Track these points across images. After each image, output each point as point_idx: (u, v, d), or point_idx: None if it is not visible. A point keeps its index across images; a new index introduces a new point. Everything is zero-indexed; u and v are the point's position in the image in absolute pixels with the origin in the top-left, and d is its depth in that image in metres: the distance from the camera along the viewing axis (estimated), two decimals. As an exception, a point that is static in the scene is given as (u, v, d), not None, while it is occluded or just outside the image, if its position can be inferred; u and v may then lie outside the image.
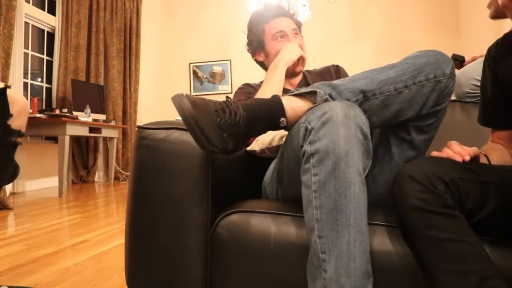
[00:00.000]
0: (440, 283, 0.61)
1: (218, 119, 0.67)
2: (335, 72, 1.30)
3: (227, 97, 0.73)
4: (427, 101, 0.77)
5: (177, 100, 0.66)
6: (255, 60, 1.33)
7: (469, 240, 0.61)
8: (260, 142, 0.96)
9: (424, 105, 0.78)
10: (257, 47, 1.28)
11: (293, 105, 0.74)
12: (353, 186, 0.64)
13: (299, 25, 1.29)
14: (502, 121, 0.90)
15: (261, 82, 1.30)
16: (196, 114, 0.64)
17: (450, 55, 1.10)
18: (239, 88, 1.30)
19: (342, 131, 0.65)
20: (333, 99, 0.74)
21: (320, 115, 0.68)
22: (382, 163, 0.85)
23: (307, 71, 1.33)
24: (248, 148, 0.98)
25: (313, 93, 0.74)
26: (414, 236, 0.65)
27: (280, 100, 0.73)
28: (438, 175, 0.64)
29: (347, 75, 1.27)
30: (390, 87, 0.75)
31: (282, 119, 0.73)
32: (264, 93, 1.06)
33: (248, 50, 1.34)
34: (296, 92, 0.76)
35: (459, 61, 2.17)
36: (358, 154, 0.66)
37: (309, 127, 0.68)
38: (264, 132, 0.76)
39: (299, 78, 1.28)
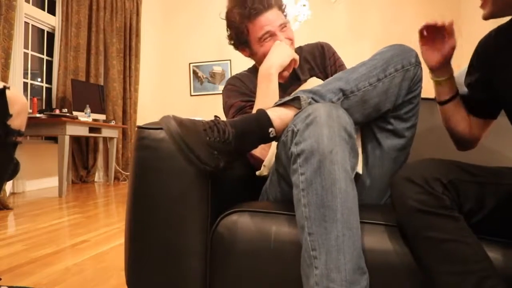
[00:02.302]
0: (440, 284, 0.61)
1: (207, 138, 0.69)
2: (320, 55, 1.22)
3: (215, 116, 0.75)
4: (400, 90, 0.82)
5: (164, 121, 0.68)
6: (239, 52, 1.21)
7: (468, 240, 0.61)
8: (267, 167, 0.96)
9: (398, 94, 0.83)
10: (241, 44, 1.17)
11: (279, 114, 0.77)
12: (339, 182, 0.65)
13: (283, 9, 1.14)
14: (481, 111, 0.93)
15: (249, 71, 1.24)
16: (183, 134, 0.66)
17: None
18: (230, 85, 1.19)
19: (325, 131, 0.67)
20: (316, 102, 0.77)
21: (305, 117, 0.70)
22: (373, 156, 0.88)
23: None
24: (257, 173, 0.98)
25: (296, 99, 0.77)
26: (413, 237, 0.65)
27: (266, 113, 0.76)
28: (436, 177, 0.65)
29: (333, 52, 1.21)
30: (365, 82, 0.80)
31: (271, 129, 0.75)
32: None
33: (229, 43, 1.20)
34: (279, 102, 0.79)
35: None
36: (343, 152, 0.67)
37: (295, 129, 0.70)
38: (256, 146, 0.78)
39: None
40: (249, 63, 1.28)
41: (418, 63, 0.84)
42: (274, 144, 0.90)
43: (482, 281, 0.58)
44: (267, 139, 0.77)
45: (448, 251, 0.61)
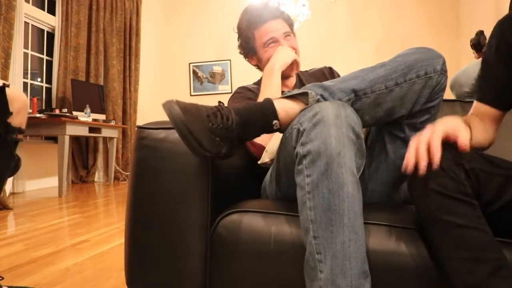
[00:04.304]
0: (452, 269, 0.60)
1: (210, 124, 0.67)
2: (329, 74, 1.27)
3: (219, 101, 0.73)
4: (419, 98, 0.78)
5: (167, 106, 0.66)
6: (248, 61, 1.31)
7: (485, 229, 0.60)
8: (270, 153, 0.95)
9: (416, 102, 0.78)
10: (249, 52, 1.25)
11: (285, 107, 0.74)
12: (346, 186, 0.63)
13: (290, 22, 1.23)
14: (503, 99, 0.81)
15: (256, 84, 1.29)
16: (186, 120, 0.64)
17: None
18: (237, 93, 1.25)
19: (333, 131, 0.65)
20: (325, 99, 0.74)
21: (312, 116, 0.68)
22: (379, 161, 0.86)
23: (301, 72, 1.30)
24: (259, 162, 0.97)
25: (305, 94, 0.74)
26: (429, 220, 0.64)
27: (272, 103, 0.74)
28: (459, 162, 0.64)
29: (340, 76, 1.26)
30: (381, 85, 0.76)
31: (275, 121, 0.73)
32: None
33: (240, 52, 1.30)
34: (288, 94, 0.76)
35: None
36: (351, 154, 0.66)
37: (301, 128, 0.68)
38: (258, 135, 0.76)
39: (294, 80, 1.27)
40: (249, 64, 1.29)
41: (443, 72, 0.78)
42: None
43: (496, 270, 0.57)
44: (270, 130, 0.75)
45: (464, 236, 0.60)
